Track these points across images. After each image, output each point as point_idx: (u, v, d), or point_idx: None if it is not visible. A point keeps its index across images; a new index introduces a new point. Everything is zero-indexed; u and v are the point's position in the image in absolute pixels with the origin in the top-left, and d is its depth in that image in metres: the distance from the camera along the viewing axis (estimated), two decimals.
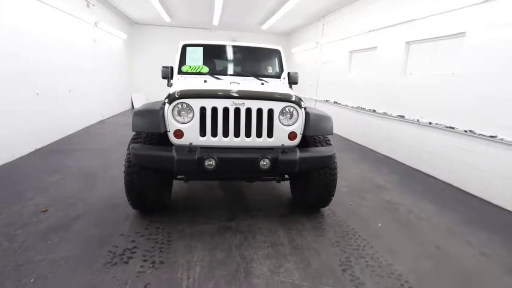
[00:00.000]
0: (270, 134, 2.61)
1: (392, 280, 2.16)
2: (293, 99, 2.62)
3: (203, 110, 2.51)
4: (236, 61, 4.03)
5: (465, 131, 4.02)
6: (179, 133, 2.52)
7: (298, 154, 2.50)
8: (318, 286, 2.06)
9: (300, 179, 3.10)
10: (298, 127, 2.65)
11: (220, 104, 2.51)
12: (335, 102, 8.04)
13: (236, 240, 2.60)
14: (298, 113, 2.64)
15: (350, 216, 3.17)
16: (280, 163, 2.43)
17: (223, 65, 3.97)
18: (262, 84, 3.49)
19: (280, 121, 2.61)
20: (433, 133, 4.63)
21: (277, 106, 2.59)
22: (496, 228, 3.05)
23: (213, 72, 3.75)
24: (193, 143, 2.51)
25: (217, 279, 2.07)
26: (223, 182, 3.98)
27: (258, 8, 8.38)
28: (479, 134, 3.82)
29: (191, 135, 2.52)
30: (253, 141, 2.59)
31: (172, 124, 2.50)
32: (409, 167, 5.07)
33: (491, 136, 3.65)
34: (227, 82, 3.19)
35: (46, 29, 5.40)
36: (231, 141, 2.56)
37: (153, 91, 12.00)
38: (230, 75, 3.75)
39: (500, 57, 3.62)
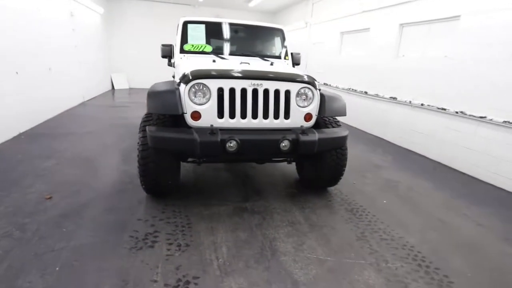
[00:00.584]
0: (287, 115, 2.62)
1: (406, 251, 2.32)
2: (309, 80, 2.63)
3: (220, 91, 2.45)
4: (239, 40, 3.92)
5: (456, 112, 4.25)
6: (196, 115, 2.45)
7: (317, 135, 2.54)
8: (341, 260, 2.18)
9: (311, 160, 3.17)
10: (313, 108, 2.68)
11: (238, 84, 2.46)
12: (325, 84, 8.12)
13: (255, 220, 2.65)
14: (313, 94, 2.66)
15: (355, 194, 3.31)
16: (301, 144, 2.46)
17: (226, 44, 3.84)
18: (271, 64, 3.44)
19: (296, 103, 2.62)
20: (425, 114, 4.85)
21: (294, 87, 2.59)
22: (486, 201, 3.33)
23: (217, 52, 3.64)
24: (211, 125, 2.46)
25: (246, 258, 2.13)
26: (230, 164, 3.97)
27: None
28: (470, 115, 4.06)
29: (209, 117, 2.47)
30: (270, 122, 2.59)
31: (189, 106, 2.43)
32: (401, 147, 5.32)
33: (481, 117, 3.90)
34: (237, 62, 3.11)
35: (22, 2, 4.88)
36: (249, 122, 2.54)
37: (136, 71, 11.45)
38: (235, 54, 3.65)
39: (492, 42, 3.79)
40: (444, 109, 4.45)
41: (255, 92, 2.50)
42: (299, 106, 2.64)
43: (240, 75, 2.48)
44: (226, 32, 3.85)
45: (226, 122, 2.50)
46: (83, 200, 2.82)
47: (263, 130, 2.55)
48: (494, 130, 3.78)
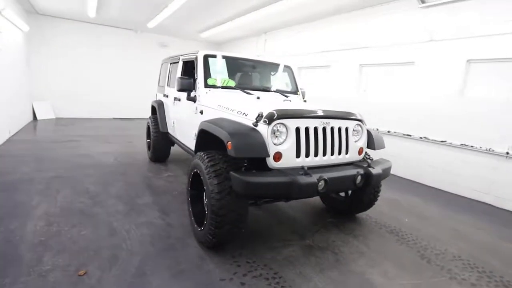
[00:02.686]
0: (346, 150, 2.80)
1: (460, 261, 2.72)
2: (361, 118, 2.91)
3: (297, 130, 2.48)
4: (256, 76, 3.98)
5: (420, 138, 5.25)
6: (277, 156, 2.39)
7: (380, 167, 2.79)
8: (429, 280, 2.40)
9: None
10: (364, 142, 2.95)
11: (311, 123, 2.54)
12: None
13: (329, 256, 2.66)
14: (362, 130, 2.94)
15: (376, 215, 3.67)
16: (373, 177, 2.65)
17: (244, 79, 3.86)
18: (290, 101, 3.60)
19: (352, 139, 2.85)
20: (392, 139, 5.77)
21: (351, 125, 2.83)
22: (468, 210, 4.17)
23: (239, 87, 3.60)
24: (290, 165, 2.44)
25: None
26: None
27: (202, 19, 8.21)
28: (432, 140, 5.07)
29: (288, 157, 2.44)
30: (336, 158, 2.72)
31: (271, 146, 2.35)
32: None
33: (442, 141, 4.93)
34: (271, 98, 3.20)
35: None
36: (321, 160, 2.62)
37: (63, 100, 9.80)
38: (257, 89, 3.68)
39: (442, 84, 4.94)
40: (410, 135, 5.42)
41: (324, 130, 2.62)
42: (354, 141, 2.87)
43: (315, 114, 2.57)
44: (243, 67, 3.88)
45: (302, 161, 2.51)
46: (133, 265, 2.28)
47: (338, 167, 2.65)
48: (453, 151, 4.82)
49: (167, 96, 4.83)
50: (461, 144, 4.68)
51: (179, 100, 4.09)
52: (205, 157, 2.48)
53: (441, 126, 4.97)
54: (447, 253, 2.85)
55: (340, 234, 3.11)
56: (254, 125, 2.42)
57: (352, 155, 2.85)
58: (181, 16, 8.12)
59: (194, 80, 3.50)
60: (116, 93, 10.78)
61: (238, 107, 2.74)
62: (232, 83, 3.62)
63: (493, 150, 4.34)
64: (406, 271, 2.51)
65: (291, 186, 2.21)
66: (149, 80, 10.94)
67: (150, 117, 5.31)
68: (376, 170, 2.70)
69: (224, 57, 3.70)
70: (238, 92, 3.48)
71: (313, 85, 7.87)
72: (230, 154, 2.24)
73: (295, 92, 4.10)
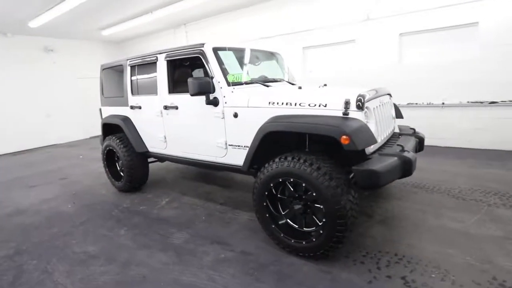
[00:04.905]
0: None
1: (475, 193, 3.39)
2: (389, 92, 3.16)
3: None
4: (262, 67, 3.66)
5: None
6: None
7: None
8: (480, 212, 2.90)
9: None
10: (394, 113, 3.24)
11: (376, 103, 2.59)
12: None
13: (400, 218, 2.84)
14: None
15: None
16: (424, 141, 2.97)
17: (253, 71, 3.49)
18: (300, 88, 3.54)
19: None
20: None
21: (390, 99, 3.03)
22: (426, 154, 5.15)
23: (255, 80, 3.26)
24: (375, 148, 2.44)
25: None
26: None
27: (107, 14, 6.87)
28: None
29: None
30: (390, 132, 2.89)
31: None
32: None
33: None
34: (295, 88, 3.10)
35: None
36: (383, 136, 2.71)
37: None
38: (268, 81, 3.41)
39: (382, 56, 5.79)
40: None
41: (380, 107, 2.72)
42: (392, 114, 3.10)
43: (381, 94, 2.63)
44: (249, 58, 3.51)
45: (379, 141, 2.53)
46: None
47: (396, 138, 2.87)
48: None
49: (135, 108, 3.88)
50: (408, 104, 5.68)
51: (176, 108, 3.36)
52: (308, 161, 2.20)
53: None
54: (464, 189, 3.50)
55: (387, 199, 3.35)
56: (344, 114, 2.25)
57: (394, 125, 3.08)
58: (79, 12, 6.49)
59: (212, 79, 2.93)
60: None
61: (307, 100, 2.47)
62: (248, 78, 3.22)
63: (432, 103, 5.47)
64: (459, 211, 2.96)
65: (405, 165, 2.22)
66: (37, 95, 8.58)
67: (110, 139, 4.18)
68: (420, 134, 3.01)
69: (230, 49, 3.23)
70: (259, 86, 3.13)
71: None
72: (349, 149, 2.04)
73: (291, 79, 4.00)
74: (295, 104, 2.50)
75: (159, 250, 2.70)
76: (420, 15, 5.28)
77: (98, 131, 4.85)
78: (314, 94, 2.63)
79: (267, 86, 3.20)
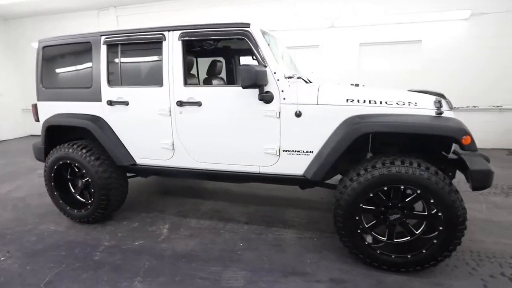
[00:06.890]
0: None
1: None
2: None
3: None
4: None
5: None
6: None
7: None
8: None
9: None
10: None
11: None
12: None
13: None
14: None
15: None
16: None
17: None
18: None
19: None
20: None
21: None
22: None
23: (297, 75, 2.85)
24: None
25: None
26: None
27: None
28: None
29: None
30: None
31: None
32: None
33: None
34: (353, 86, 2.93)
35: None
36: None
37: None
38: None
39: (343, 62, 6.19)
40: None
41: None
42: None
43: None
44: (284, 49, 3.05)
45: None
46: None
47: None
48: None
49: (117, 104, 2.77)
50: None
51: (199, 104, 2.53)
52: (424, 165, 2.00)
53: None
54: None
55: None
56: (438, 114, 2.14)
57: None
58: None
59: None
60: None
61: (394, 97, 2.26)
62: (291, 71, 2.73)
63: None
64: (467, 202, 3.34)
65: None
66: None
67: (66, 148, 2.85)
68: None
69: (265, 33, 2.64)
70: (301, 81, 2.70)
71: None
72: (468, 149, 1.94)
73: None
74: (381, 102, 2.25)
75: None
76: (377, 29, 5.89)
77: None
78: (393, 92, 2.44)
79: (309, 81, 2.83)
